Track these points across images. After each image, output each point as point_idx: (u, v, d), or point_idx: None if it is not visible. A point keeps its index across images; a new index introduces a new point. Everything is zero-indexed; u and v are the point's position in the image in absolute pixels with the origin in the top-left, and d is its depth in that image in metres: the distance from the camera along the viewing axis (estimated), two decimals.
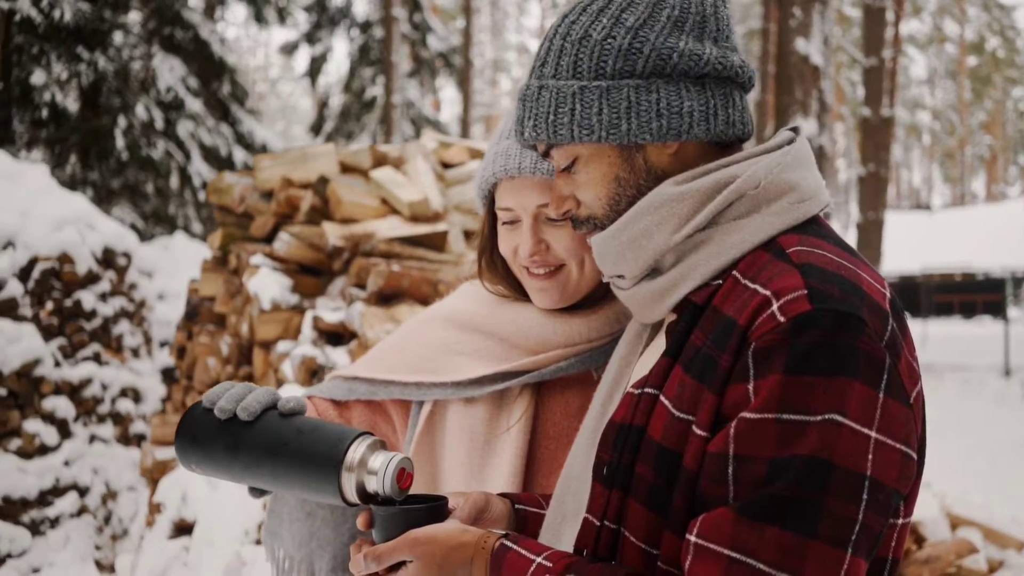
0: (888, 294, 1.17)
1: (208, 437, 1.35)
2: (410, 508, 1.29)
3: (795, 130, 1.33)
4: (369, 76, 23.07)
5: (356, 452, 1.29)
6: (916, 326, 28.66)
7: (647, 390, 1.22)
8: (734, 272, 1.19)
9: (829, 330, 1.06)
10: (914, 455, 1.12)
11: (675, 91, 1.24)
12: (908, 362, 1.14)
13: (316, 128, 23.68)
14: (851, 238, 18.06)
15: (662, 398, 1.19)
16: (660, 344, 1.30)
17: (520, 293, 1.69)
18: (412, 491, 1.37)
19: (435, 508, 1.31)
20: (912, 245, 30.29)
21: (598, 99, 1.24)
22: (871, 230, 16.25)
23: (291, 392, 3.71)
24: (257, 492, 1.39)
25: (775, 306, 1.10)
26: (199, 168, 15.67)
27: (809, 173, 1.27)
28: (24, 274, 7.36)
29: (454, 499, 1.39)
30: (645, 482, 1.18)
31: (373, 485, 1.29)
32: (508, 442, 1.62)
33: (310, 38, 23.04)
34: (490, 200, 1.66)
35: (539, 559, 1.20)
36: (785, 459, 1.04)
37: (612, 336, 1.62)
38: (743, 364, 1.10)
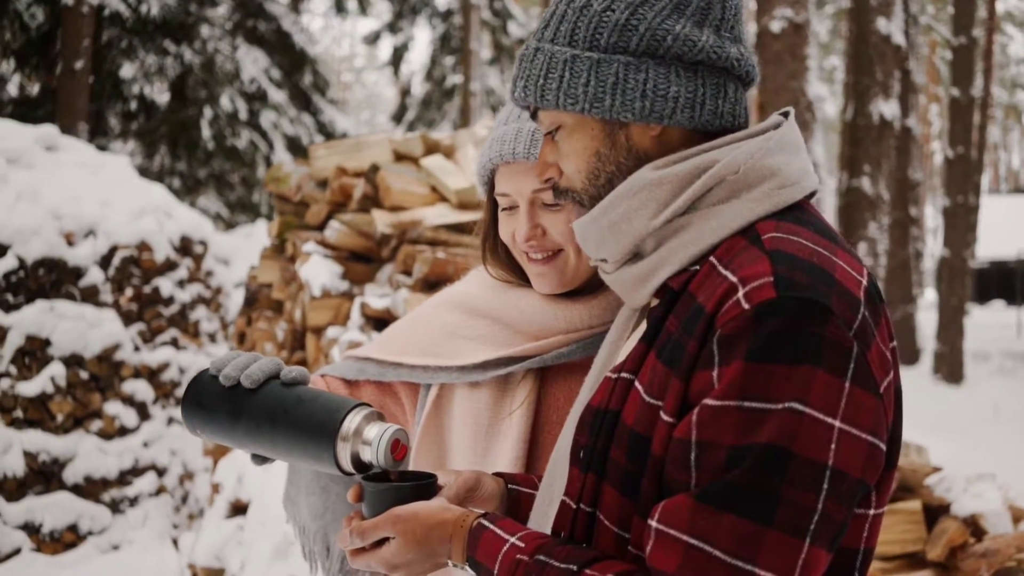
0: (865, 282, 1.15)
1: (212, 403, 1.39)
2: (397, 485, 1.31)
3: (785, 114, 1.31)
4: (450, 64, 23.22)
5: (352, 422, 1.32)
6: (1011, 313, 27.70)
7: (623, 375, 1.23)
8: (711, 258, 1.18)
9: (793, 318, 1.05)
10: (882, 445, 1.11)
11: (664, 74, 1.22)
12: (880, 351, 1.12)
13: (398, 117, 23.94)
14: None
15: (636, 383, 1.19)
16: (644, 328, 1.30)
17: (523, 278, 1.70)
18: (423, 472, 1.40)
19: (422, 486, 1.33)
20: (1009, 230, 29.25)
21: (587, 70, 1.24)
22: (959, 214, 15.76)
23: None
24: (259, 459, 1.43)
25: (740, 293, 1.09)
26: (282, 157, 16.00)
27: (793, 158, 1.25)
28: (105, 262, 7.62)
29: (445, 477, 1.41)
30: (618, 466, 1.18)
31: (367, 455, 1.31)
32: (511, 427, 1.63)
33: (392, 27, 23.28)
34: (490, 186, 1.68)
35: (513, 539, 1.21)
36: (744, 447, 1.04)
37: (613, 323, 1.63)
38: (709, 351, 1.09)
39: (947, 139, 16.69)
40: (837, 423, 1.05)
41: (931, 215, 35.73)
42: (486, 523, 1.25)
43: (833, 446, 1.04)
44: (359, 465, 1.33)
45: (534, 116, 1.36)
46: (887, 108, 11.13)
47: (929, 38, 29.73)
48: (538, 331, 1.64)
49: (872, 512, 1.17)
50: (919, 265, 19.26)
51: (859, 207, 11.29)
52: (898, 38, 11.24)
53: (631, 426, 1.17)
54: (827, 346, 1.05)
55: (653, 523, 1.09)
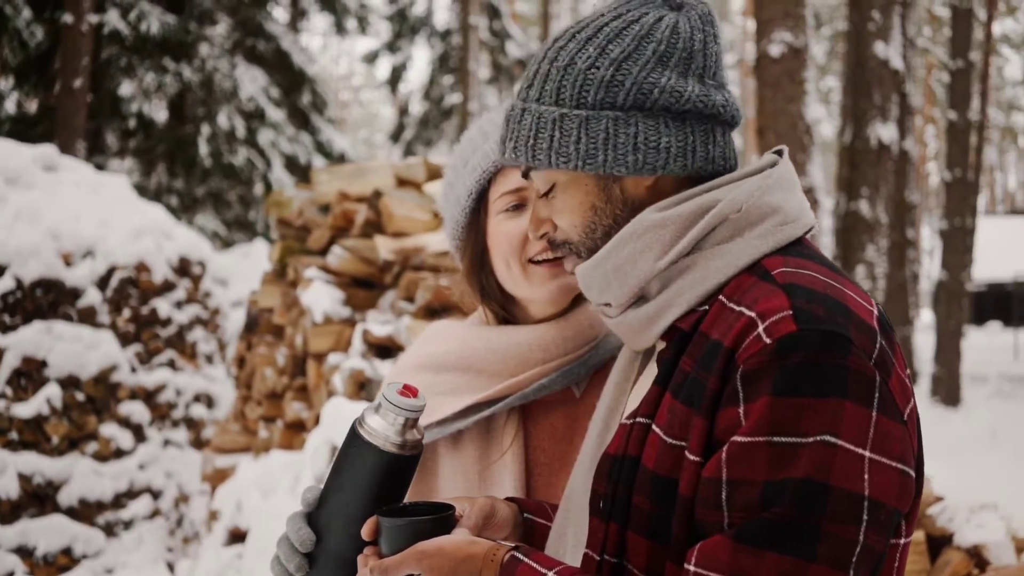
0: (876, 311, 1.16)
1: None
2: (416, 520, 1.28)
3: (779, 152, 1.32)
4: (448, 84, 23.30)
5: (366, 430, 1.35)
6: (1008, 335, 27.74)
7: (639, 420, 1.22)
8: (720, 297, 1.19)
9: (816, 350, 1.06)
10: (912, 472, 1.11)
11: (654, 126, 1.23)
12: (900, 379, 1.13)
13: (396, 136, 24.00)
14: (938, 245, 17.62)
15: (654, 427, 1.19)
16: (653, 372, 1.29)
17: (511, 312, 1.65)
18: (439, 503, 1.38)
19: (441, 519, 1.30)
20: (1005, 251, 29.33)
21: (577, 128, 1.24)
22: (957, 237, 15.80)
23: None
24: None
25: (761, 327, 1.09)
26: (280, 176, 15.98)
27: (791, 195, 1.26)
28: (103, 282, 7.61)
29: (459, 505, 1.38)
30: (642, 512, 1.17)
31: (394, 422, 1.34)
32: (504, 473, 1.59)
33: (391, 47, 23.37)
34: (476, 212, 1.60)
35: (551, 573, 1.19)
36: (779, 482, 1.04)
37: (588, 346, 1.59)
38: (732, 387, 1.09)
39: (944, 162, 16.76)
40: (868, 453, 1.05)
41: (927, 236, 35.80)
42: (520, 556, 1.22)
43: (867, 476, 1.05)
44: (405, 439, 1.35)
45: (526, 176, 1.36)
46: (885, 132, 11.16)
47: (925, 59, 29.87)
48: (514, 368, 1.59)
49: (903, 541, 1.17)
50: (915, 287, 19.29)
51: (857, 230, 11.30)
52: (896, 62, 11.27)
53: (652, 470, 1.16)
54: (852, 377, 1.06)
55: (691, 568, 1.08)
